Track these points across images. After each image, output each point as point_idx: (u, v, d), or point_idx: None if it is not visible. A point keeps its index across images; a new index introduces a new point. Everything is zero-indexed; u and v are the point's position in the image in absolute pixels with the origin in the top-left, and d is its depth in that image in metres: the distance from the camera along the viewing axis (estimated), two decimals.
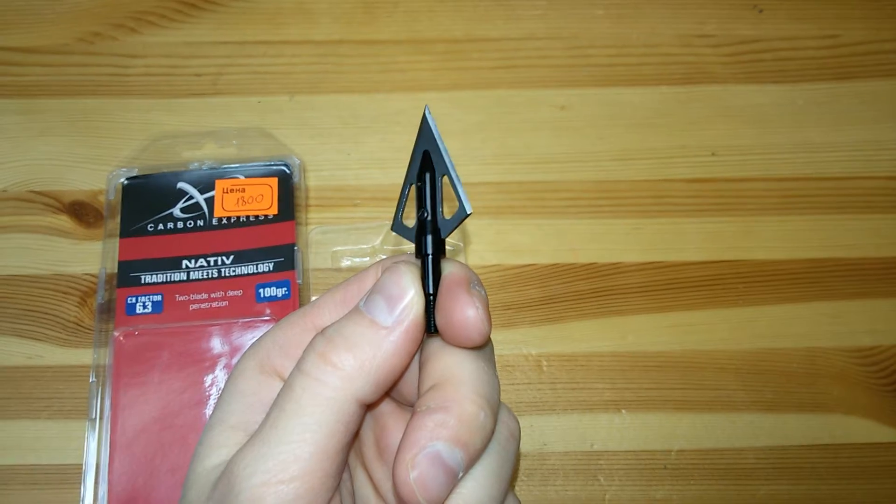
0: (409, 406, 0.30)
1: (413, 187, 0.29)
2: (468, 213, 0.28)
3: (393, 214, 0.30)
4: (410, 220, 0.30)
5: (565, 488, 0.44)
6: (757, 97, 0.53)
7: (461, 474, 0.26)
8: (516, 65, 0.53)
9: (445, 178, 0.29)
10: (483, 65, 0.53)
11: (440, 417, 0.25)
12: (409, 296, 0.27)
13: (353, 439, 0.28)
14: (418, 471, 0.25)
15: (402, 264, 0.28)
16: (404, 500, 0.25)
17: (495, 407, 0.27)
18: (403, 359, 0.27)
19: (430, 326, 0.28)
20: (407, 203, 0.30)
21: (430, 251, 0.28)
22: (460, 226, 0.29)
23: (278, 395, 0.27)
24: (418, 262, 0.29)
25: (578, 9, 0.55)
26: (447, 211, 0.29)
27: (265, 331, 0.31)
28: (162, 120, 0.51)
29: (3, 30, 0.54)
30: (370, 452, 0.31)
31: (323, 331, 0.27)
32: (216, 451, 0.27)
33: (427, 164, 0.29)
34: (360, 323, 0.27)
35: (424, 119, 0.29)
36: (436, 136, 0.29)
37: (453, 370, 0.27)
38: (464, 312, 0.27)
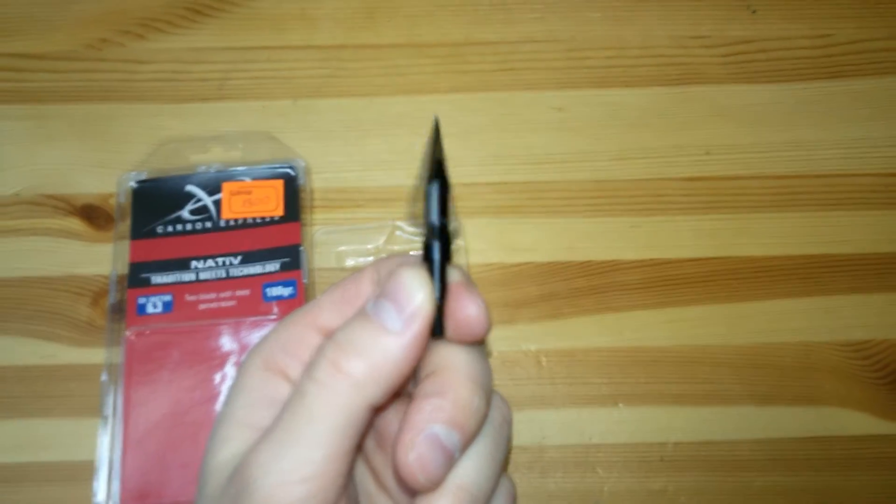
0: (407, 396, 0.31)
1: (421, 192, 0.30)
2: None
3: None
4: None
5: (564, 480, 0.45)
6: (751, 97, 0.54)
7: (457, 455, 0.27)
8: (515, 67, 0.54)
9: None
10: (482, 68, 0.54)
11: (437, 402, 0.27)
12: (419, 301, 0.27)
13: (363, 439, 0.29)
14: (417, 452, 0.26)
15: (409, 269, 0.28)
16: (405, 481, 0.26)
17: (488, 392, 0.29)
18: (413, 363, 0.27)
19: (437, 330, 0.28)
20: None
21: (438, 257, 0.29)
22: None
23: (290, 399, 0.27)
24: (423, 265, 0.29)
25: (575, 12, 0.56)
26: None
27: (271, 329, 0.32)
28: (169, 124, 0.52)
29: (11, 36, 0.54)
30: (370, 443, 0.32)
31: (333, 336, 0.28)
32: (227, 445, 0.28)
33: (439, 172, 0.29)
34: (370, 329, 0.27)
35: (436, 128, 0.30)
36: (442, 148, 0.30)
37: (449, 359, 0.28)
38: (466, 311, 0.28)
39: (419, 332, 0.27)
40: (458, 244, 0.49)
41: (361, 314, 0.28)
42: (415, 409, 0.27)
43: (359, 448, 0.30)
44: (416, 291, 0.27)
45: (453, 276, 0.29)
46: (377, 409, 0.28)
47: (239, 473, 0.27)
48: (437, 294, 0.28)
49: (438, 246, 0.29)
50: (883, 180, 0.52)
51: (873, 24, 0.56)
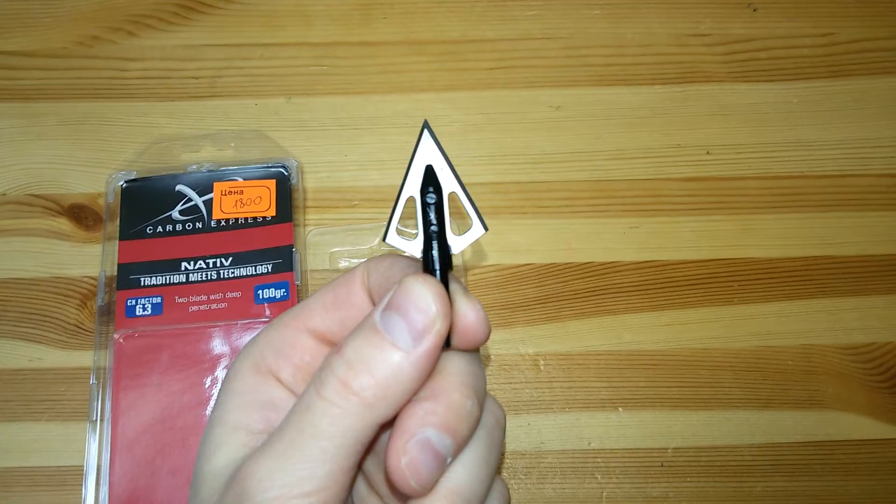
0: None
1: (412, 200, 0.29)
2: (484, 231, 0.29)
3: (385, 225, 0.29)
4: (407, 232, 0.30)
5: (563, 486, 0.44)
6: (752, 96, 0.53)
7: (450, 459, 0.27)
8: (512, 65, 0.54)
9: (452, 194, 0.29)
10: (479, 66, 0.54)
11: (429, 406, 0.26)
12: (431, 318, 0.26)
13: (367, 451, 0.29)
14: (409, 456, 0.25)
15: (419, 280, 0.27)
16: (396, 485, 0.26)
17: (481, 396, 0.28)
18: (424, 379, 0.27)
19: (445, 343, 0.27)
20: (402, 215, 0.29)
21: (439, 266, 0.28)
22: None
23: (293, 412, 0.26)
24: (426, 275, 0.28)
25: (574, 9, 0.55)
26: (454, 226, 0.29)
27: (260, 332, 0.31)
28: (160, 123, 0.51)
29: (1, 34, 0.54)
30: None
31: (341, 351, 0.27)
32: (221, 450, 0.28)
33: (431, 179, 0.29)
34: (381, 347, 0.26)
35: (425, 133, 0.29)
36: (441, 152, 0.29)
37: (442, 363, 0.27)
38: (467, 318, 0.27)
39: (431, 348, 0.26)
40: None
41: (370, 326, 0.27)
42: (407, 413, 0.26)
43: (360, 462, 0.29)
44: (429, 307, 0.26)
45: (451, 282, 0.28)
46: (384, 425, 0.27)
47: (236, 483, 0.26)
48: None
49: (439, 256, 0.28)
50: (885, 181, 0.52)
51: (875, 23, 0.56)
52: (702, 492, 0.44)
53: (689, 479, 0.45)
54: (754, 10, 0.56)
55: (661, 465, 0.45)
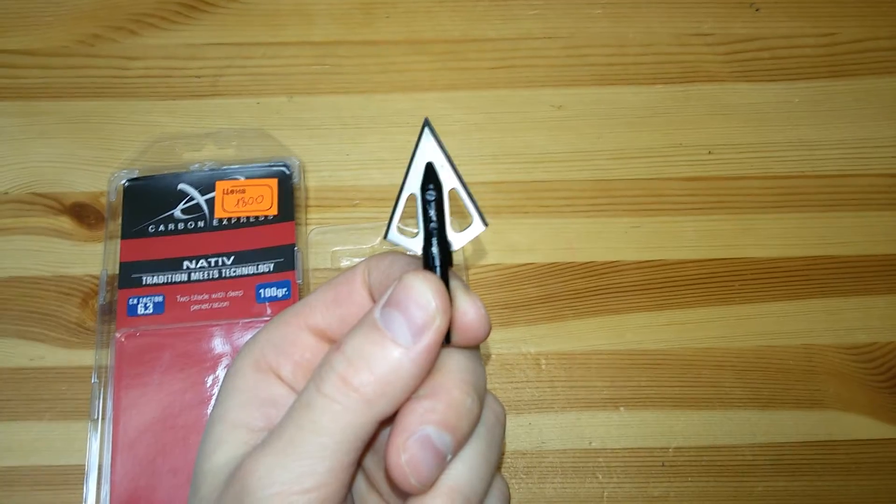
0: None
1: (413, 198, 0.29)
2: (484, 227, 0.29)
3: (387, 223, 0.29)
4: (408, 230, 0.30)
5: (563, 486, 0.45)
6: (753, 95, 0.53)
7: (450, 457, 0.27)
8: (514, 65, 0.54)
9: (453, 191, 0.29)
10: (481, 65, 0.54)
11: (429, 403, 0.26)
12: (430, 314, 0.26)
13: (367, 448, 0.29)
14: (409, 454, 0.25)
15: (419, 276, 0.27)
16: (396, 483, 0.26)
17: (481, 393, 0.28)
18: (424, 375, 0.27)
19: (445, 339, 0.27)
20: (403, 213, 0.29)
21: (439, 263, 0.28)
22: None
23: (293, 409, 0.26)
24: (426, 272, 0.28)
25: (575, 8, 0.55)
26: (455, 223, 0.29)
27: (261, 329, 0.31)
28: (162, 121, 0.51)
29: (2, 32, 0.54)
30: None
31: (341, 348, 0.27)
32: (221, 448, 0.28)
33: (431, 176, 0.29)
34: (381, 343, 0.26)
35: (426, 131, 0.29)
36: (442, 149, 0.29)
37: (441, 360, 0.27)
38: (467, 315, 0.27)
39: (431, 345, 0.26)
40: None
41: (370, 323, 0.27)
42: (407, 410, 0.26)
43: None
44: (429, 304, 0.26)
45: (452, 279, 0.28)
46: (384, 422, 0.27)
47: (237, 481, 0.26)
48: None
49: (439, 253, 0.28)
50: (886, 181, 0.52)
51: (877, 23, 0.56)
52: (703, 491, 0.44)
53: (690, 479, 0.45)
54: (756, 10, 0.56)
55: (663, 465, 0.45)
